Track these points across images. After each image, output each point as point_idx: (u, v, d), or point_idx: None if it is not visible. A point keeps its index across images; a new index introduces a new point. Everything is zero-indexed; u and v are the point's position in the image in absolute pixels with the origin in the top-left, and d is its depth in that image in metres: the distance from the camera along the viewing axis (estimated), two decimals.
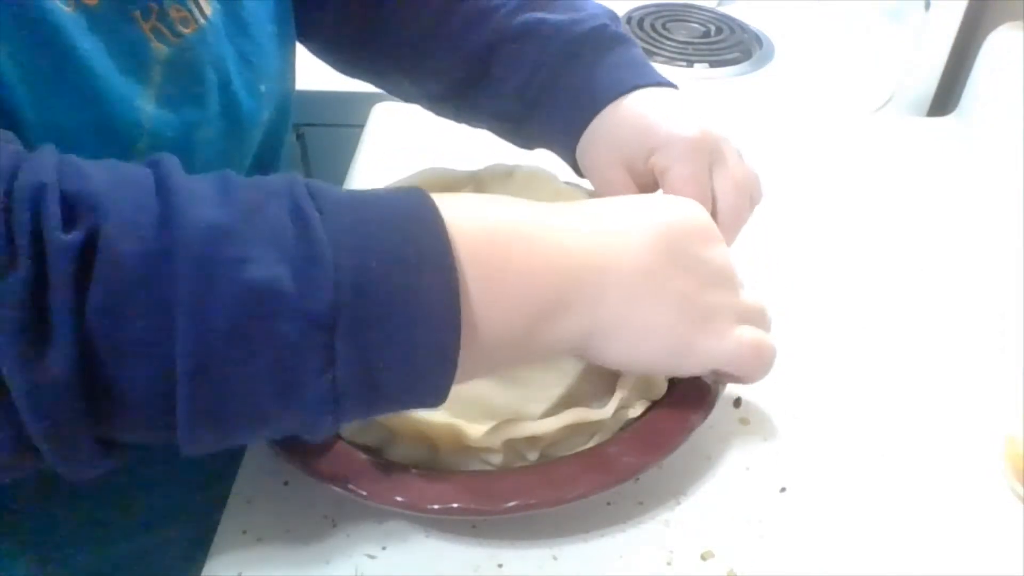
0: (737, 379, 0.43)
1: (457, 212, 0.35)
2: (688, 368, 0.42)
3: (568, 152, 0.54)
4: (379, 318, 0.32)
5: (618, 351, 0.39)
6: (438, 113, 0.60)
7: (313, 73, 0.94)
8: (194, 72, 0.41)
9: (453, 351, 0.33)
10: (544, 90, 0.52)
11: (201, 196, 0.31)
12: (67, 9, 0.35)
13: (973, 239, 0.67)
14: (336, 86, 0.92)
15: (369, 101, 0.83)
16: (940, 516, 0.45)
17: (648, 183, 0.50)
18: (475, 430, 0.42)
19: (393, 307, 0.32)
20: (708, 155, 0.48)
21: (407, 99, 0.61)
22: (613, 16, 0.54)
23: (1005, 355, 0.55)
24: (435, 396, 0.35)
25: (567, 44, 0.51)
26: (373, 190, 0.36)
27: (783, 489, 0.46)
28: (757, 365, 0.42)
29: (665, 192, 0.48)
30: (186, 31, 0.41)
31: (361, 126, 0.80)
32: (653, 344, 0.40)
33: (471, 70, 0.54)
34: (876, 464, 0.48)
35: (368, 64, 0.61)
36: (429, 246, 0.33)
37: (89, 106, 0.36)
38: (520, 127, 0.56)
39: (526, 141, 0.57)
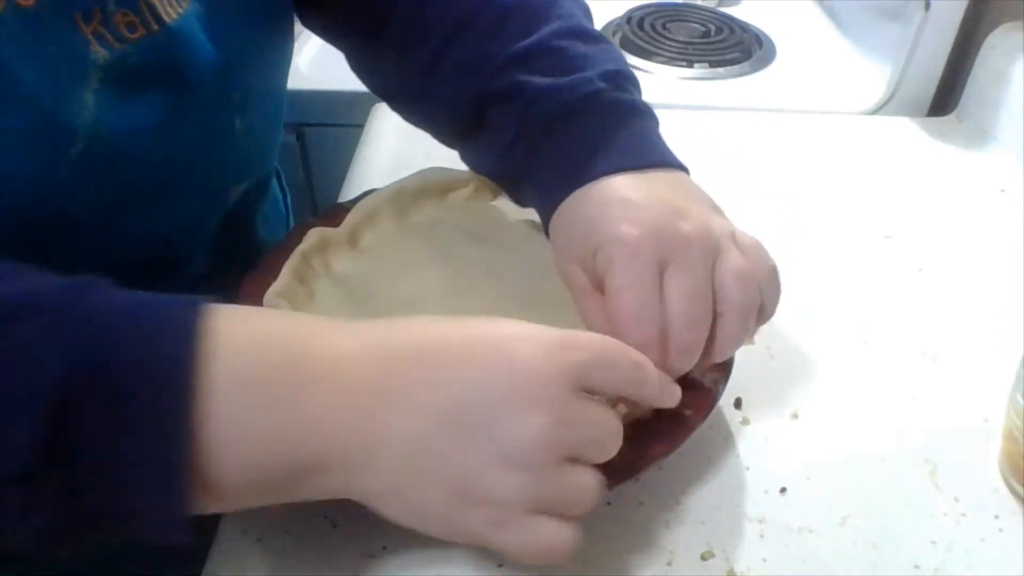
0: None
1: (237, 338, 0.32)
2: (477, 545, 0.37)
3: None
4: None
5: (396, 517, 0.35)
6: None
7: (313, 73, 0.94)
8: (141, 78, 0.40)
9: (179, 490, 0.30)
10: (525, 160, 0.48)
11: None
12: None
13: (973, 239, 0.67)
14: (336, 86, 0.92)
15: (369, 101, 0.83)
16: (940, 516, 0.45)
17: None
18: None
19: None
20: (655, 260, 0.40)
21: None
22: (617, 75, 0.47)
23: (1005, 355, 0.55)
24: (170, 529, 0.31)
25: (549, 115, 0.46)
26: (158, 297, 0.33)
27: (783, 489, 0.46)
28: (541, 562, 0.35)
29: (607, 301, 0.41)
30: (132, 36, 0.39)
31: (361, 126, 0.80)
32: (430, 525, 0.35)
33: (466, 123, 0.51)
34: (876, 464, 0.48)
35: (381, 89, 0.58)
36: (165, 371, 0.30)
37: (13, 111, 0.36)
38: (515, 190, 0.53)
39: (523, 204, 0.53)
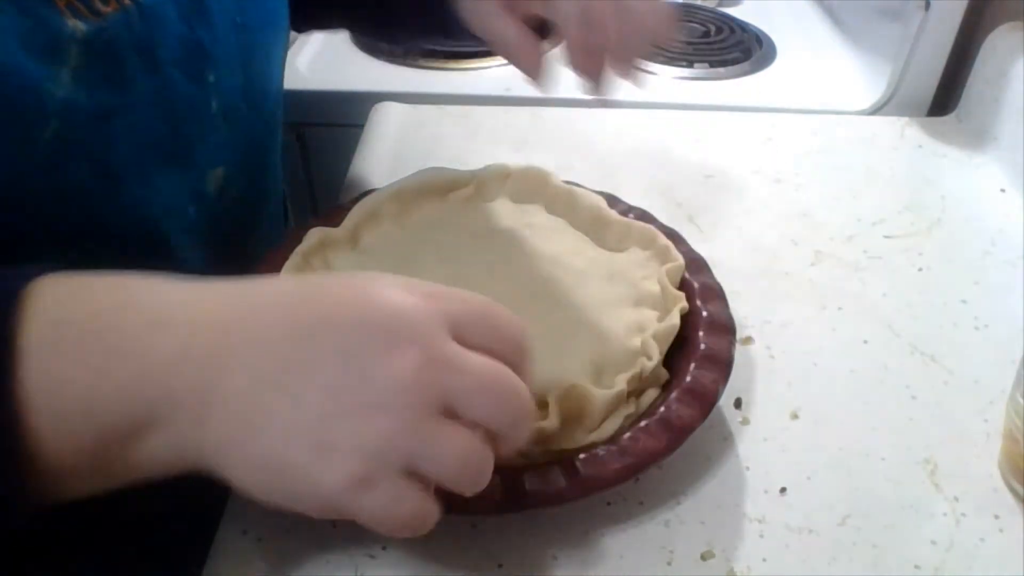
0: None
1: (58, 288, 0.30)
2: (318, 514, 0.32)
3: None
4: None
5: (242, 477, 0.31)
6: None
7: (313, 73, 0.94)
8: (115, 54, 0.39)
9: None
10: None
11: None
12: None
13: (973, 239, 0.67)
14: (336, 86, 0.93)
15: (369, 101, 0.83)
16: (940, 516, 0.45)
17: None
18: None
19: None
20: None
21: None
22: None
23: (1005, 355, 0.55)
24: None
25: None
26: None
27: (783, 489, 0.46)
28: (397, 533, 0.32)
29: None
30: (106, 9, 0.39)
31: (361, 126, 0.80)
32: (282, 483, 0.31)
33: None
34: (876, 464, 0.48)
35: None
36: None
37: None
38: None
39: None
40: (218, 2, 0.46)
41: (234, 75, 0.48)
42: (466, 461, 0.32)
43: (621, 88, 0.51)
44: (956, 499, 0.46)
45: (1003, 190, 0.73)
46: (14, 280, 0.30)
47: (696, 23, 1.07)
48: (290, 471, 0.30)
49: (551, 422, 0.42)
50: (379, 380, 0.30)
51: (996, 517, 0.45)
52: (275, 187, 0.62)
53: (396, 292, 0.32)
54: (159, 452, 0.31)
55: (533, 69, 0.51)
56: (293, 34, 1.16)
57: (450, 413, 0.31)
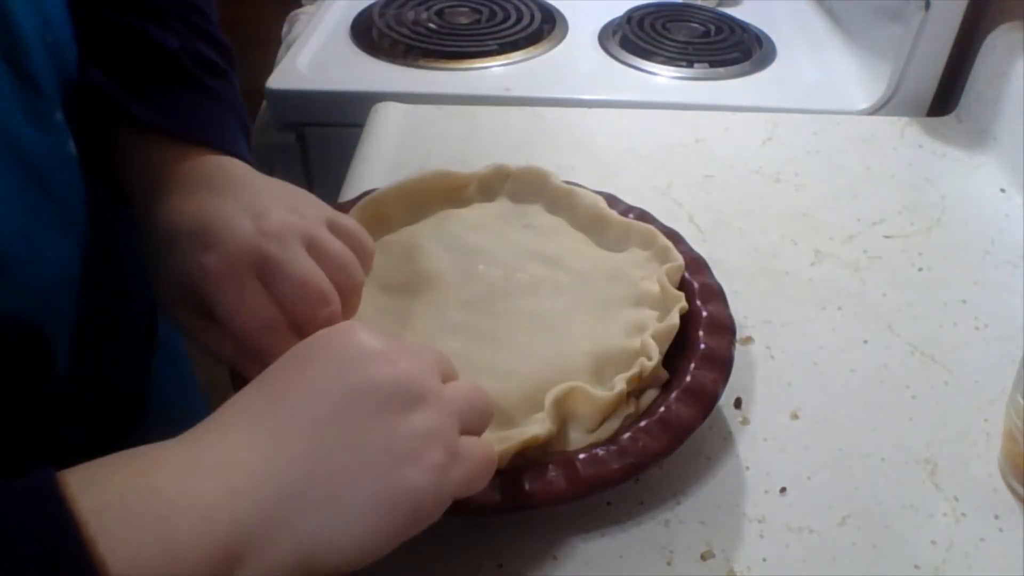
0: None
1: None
2: (434, 514, 0.34)
3: None
4: None
5: (347, 552, 0.32)
6: None
7: (313, 73, 0.94)
8: None
9: None
10: None
11: None
12: None
13: (973, 239, 0.67)
14: (336, 86, 0.93)
15: (369, 101, 0.83)
16: (940, 516, 0.45)
17: None
18: None
19: None
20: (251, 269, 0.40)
21: None
22: None
23: (1005, 354, 0.55)
24: None
25: None
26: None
27: (783, 489, 0.46)
28: (483, 483, 0.36)
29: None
30: None
31: (361, 126, 0.80)
32: (392, 518, 0.32)
33: None
34: (876, 464, 0.48)
35: None
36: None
37: None
38: None
39: None
40: (29, 27, 0.39)
41: (75, 108, 0.42)
42: (481, 395, 0.38)
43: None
44: (956, 499, 0.46)
45: (1003, 190, 0.73)
46: (37, 480, 0.27)
47: (696, 23, 1.07)
48: (390, 498, 0.32)
49: (546, 428, 0.42)
50: (391, 388, 0.34)
51: (996, 517, 0.45)
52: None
53: (351, 336, 0.35)
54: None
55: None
56: (293, 34, 1.16)
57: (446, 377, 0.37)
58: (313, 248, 0.42)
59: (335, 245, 0.43)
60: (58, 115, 0.40)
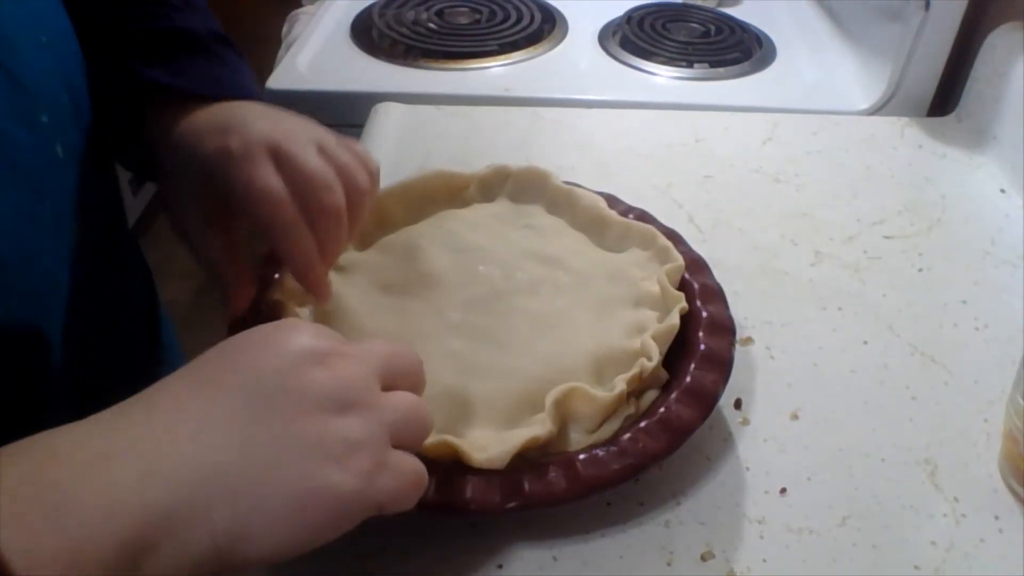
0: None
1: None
2: (355, 519, 0.34)
3: None
4: None
5: (264, 547, 0.31)
6: None
7: (313, 73, 0.94)
8: None
9: None
10: None
11: None
12: None
13: (973, 239, 0.67)
14: (336, 86, 0.92)
15: (369, 101, 0.83)
16: (940, 516, 0.45)
17: None
18: (477, 448, 0.42)
19: None
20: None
21: None
22: None
23: (1005, 355, 0.55)
24: None
25: None
26: None
27: (783, 489, 0.46)
28: (410, 501, 0.35)
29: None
30: None
31: (361, 126, 0.80)
32: (314, 517, 0.32)
33: None
34: (876, 464, 0.48)
35: None
36: None
37: None
38: None
39: None
40: (17, 26, 0.39)
41: (63, 108, 0.43)
42: (420, 408, 0.37)
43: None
44: (956, 499, 0.46)
45: (1003, 190, 0.73)
46: None
47: (696, 23, 1.07)
48: (311, 497, 0.32)
49: (546, 429, 0.42)
50: (327, 387, 0.33)
51: (996, 517, 0.45)
52: (126, 228, 0.56)
53: (284, 327, 0.35)
54: (169, 567, 0.29)
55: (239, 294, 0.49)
56: (293, 34, 1.16)
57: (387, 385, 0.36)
58: (323, 151, 0.45)
59: (344, 153, 0.46)
60: (44, 116, 0.40)
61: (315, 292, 0.46)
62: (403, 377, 0.38)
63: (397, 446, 0.35)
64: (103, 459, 0.29)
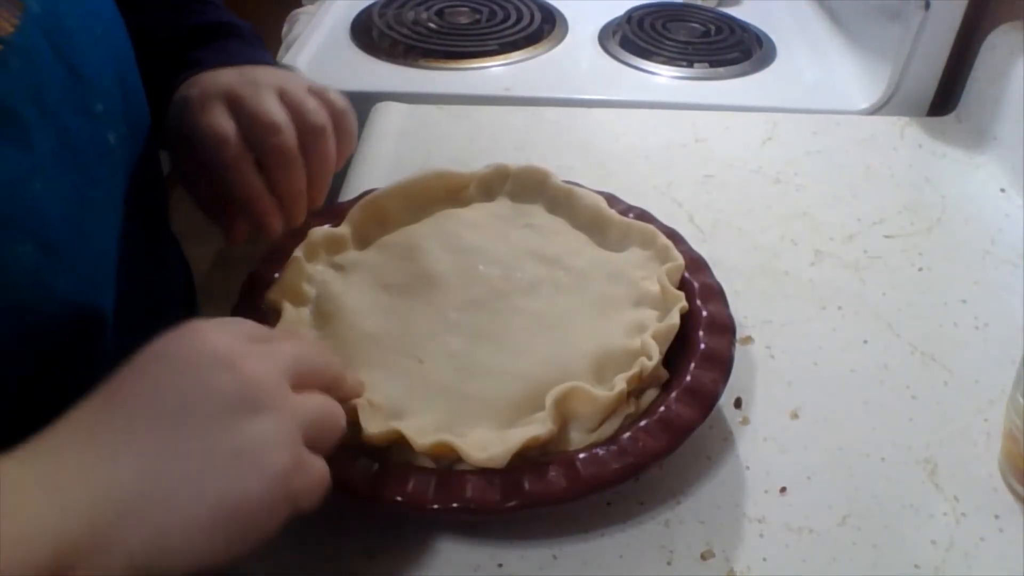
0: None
1: None
2: (275, 520, 0.33)
3: None
4: None
5: (185, 560, 0.31)
6: None
7: (313, 73, 0.94)
8: (8, 108, 0.36)
9: None
10: None
11: None
12: None
13: (973, 239, 0.67)
14: (336, 86, 0.92)
15: (369, 101, 0.83)
16: (940, 516, 0.45)
17: None
18: (477, 448, 0.42)
19: None
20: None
21: None
22: None
23: (1005, 354, 0.55)
24: None
25: None
26: None
27: (783, 489, 0.46)
28: (319, 498, 0.35)
29: None
30: (16, 14, 0.36)
31: (361, 126, 0.80)
32: (238, 521, 0.32)
33: None
34: (876, 464, 0.48)
35: None
36: None
37: None
38: None
39: None
40: (76, 20, 0.41)
41: (115, 99, 0.45)
42: (331, 407, 0.37)
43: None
44: (956, 499, 0.46)
45: (1003, 190, 0.73)
46: None
47: (696, 23, 1.07)
48: (227, 506, 0.31)
49: (547, 428, 0.42)
50: (237, 390, 0.33)
51: (996, 517, 0.45)
52: (167, 212, 0.58)
53: (197, 328, 0.35)
54: None
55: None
56: (293, 34, 1.16)
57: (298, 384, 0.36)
58: (283, 95, 0.48)
59: (306, 97, 0.48)
60: (99, 106, 0.42)
61: (264, 227, 0.49)
62: (313, 376, 0.37)
63: (309, 446, 0.35)
64: (17, 490, 0.29)
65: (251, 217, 0.49)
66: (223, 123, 0.46)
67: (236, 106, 0.46)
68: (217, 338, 0.34)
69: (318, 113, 0.48)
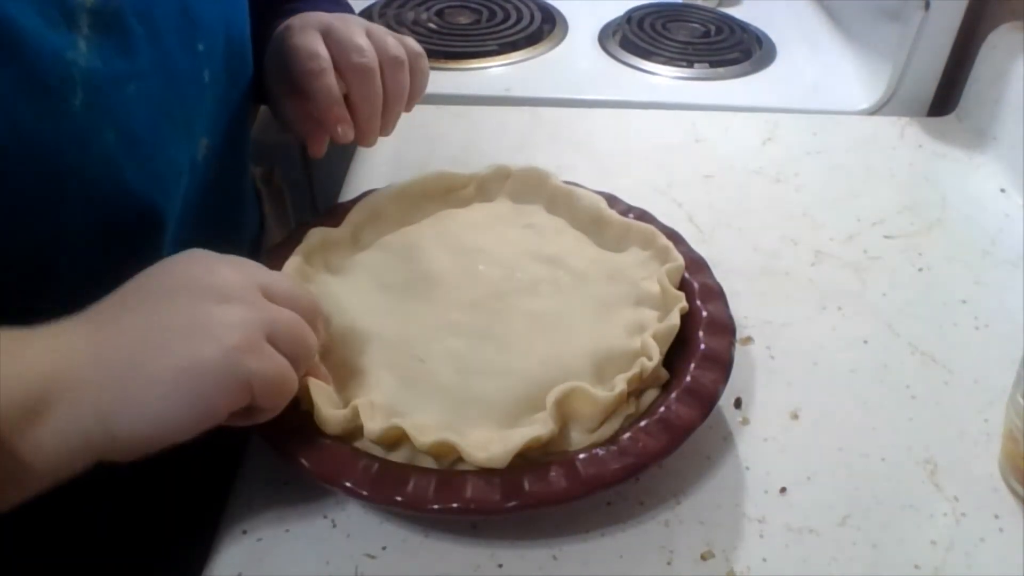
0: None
1: None
2: (226, 393, 0.37)
3: None
4: None
5: (144, 420, 0.35)
6: None
7: None
8: (120, 23, 0.41)
9: None
10: None
11: None
12: None
13: (973, 239, 0.67)
14: None
15: None
16: (940, 516, 0.45)
17: None
18: (477, 448, 0.42)
19: None
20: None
21: None
22: None
23: (1005, 354, 0.55)
24: None
25: None
26: None
27: (783, 489, 0.46)
28: (279, 395, 0.39)
29: None
30: None
31: None
32: (188, 384, 0.36)
33: None
34: (876, 464, 0.48)
35: None
36: None
37: (12, 61, 0.36)
38: None
39: None
40: None
41: (218, 43, 0.51)
42: (297, 324, 0.41)
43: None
44: (956, 499, 0.46)
45: (1003, 190, 0.73)
46: None
47: (696, 23, 1.07)
48: (183, 369, 0.36)
49: (548, 428, 0.42)
50: (216, 285, 0.39)
51: (996, 517, 0.45)
52: (247, 160, 0.64)
53: (218, 270, 0.40)
54: (53, 435, 0.34)
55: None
56: None
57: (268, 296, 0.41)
58: (369, 34, 0.55)
59: (387, 36, 0.55)
60: (200, 45, 0.48)
61: (337, 137, 0.54)
62: (287, 300, 0.41)
63: (275, 348, 0.39)
64: (22, 342, 0.34)
65: (327, 125, 0.54)
66: (316, 42, 0.53)
67: (328, 35, 0.54)
68: (203, 251, 0.40)
69: (398, 47, 0.55)
